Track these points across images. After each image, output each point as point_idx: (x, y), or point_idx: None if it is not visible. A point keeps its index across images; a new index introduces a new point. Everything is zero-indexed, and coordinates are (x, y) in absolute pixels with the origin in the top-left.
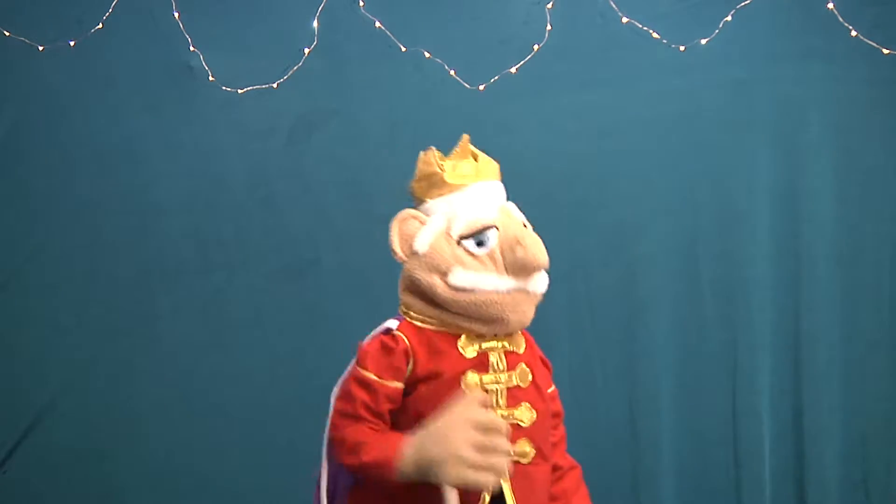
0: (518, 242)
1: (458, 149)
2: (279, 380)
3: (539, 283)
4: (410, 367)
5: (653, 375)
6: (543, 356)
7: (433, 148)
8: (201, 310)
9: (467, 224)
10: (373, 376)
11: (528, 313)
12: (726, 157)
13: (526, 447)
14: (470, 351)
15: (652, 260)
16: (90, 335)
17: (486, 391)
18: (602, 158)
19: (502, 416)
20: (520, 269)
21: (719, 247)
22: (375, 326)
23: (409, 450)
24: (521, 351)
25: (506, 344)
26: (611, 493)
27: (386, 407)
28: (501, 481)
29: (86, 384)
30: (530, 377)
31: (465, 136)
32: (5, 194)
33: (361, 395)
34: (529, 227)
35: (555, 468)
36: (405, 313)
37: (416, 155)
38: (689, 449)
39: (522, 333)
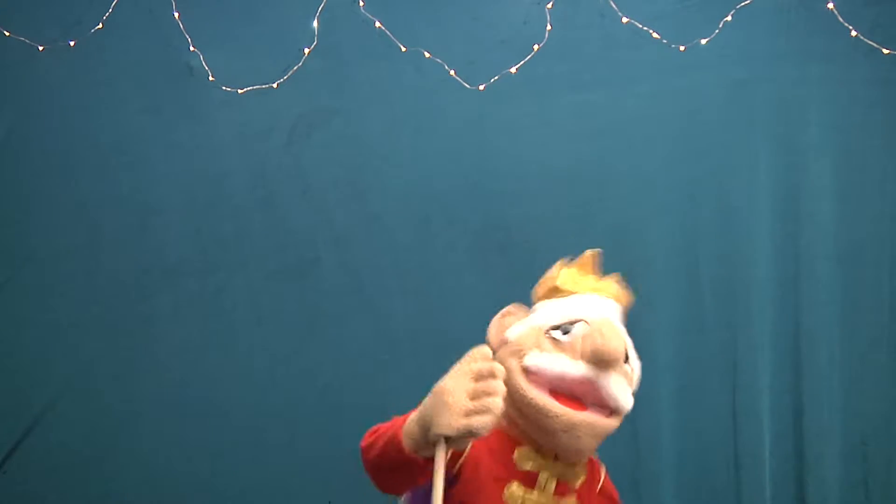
0: (599, 331)
1: (581, 259)
2: (279, 380)
3: (613, 384)
4: (465, 454)
5: (653, 375)
6: (615, 497)
7: (567, 259)
8: (201, 310)
9: (560, 316)
10: None
11: (583, 440)
12: (726, 156)
13: None
14: (523, 463)
15: (652, 260)
16: (90, 335)
17: None
18: (602, 158)
19: None
20: (594, 356)
21: (719, 247)
22: (374, 326)
23: (414, 414)
24: (577, 484)
25: (561, 470)
26: None
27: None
28: None
29: (86, 384)
30: None
31: (591, 252)
32: (5, 194)
33: None
34: (632, 352)
35: None
36: None
37: (417, 155)
38: (689, 449)
39: (590, 471)
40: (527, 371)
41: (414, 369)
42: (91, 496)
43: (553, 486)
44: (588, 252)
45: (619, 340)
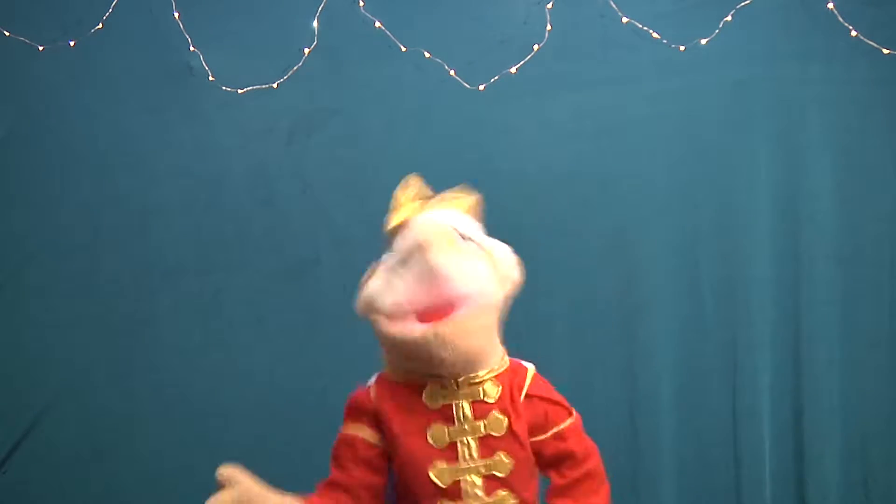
0: (408, 228)
1: (401, 190)
2: (279, 380)
3: (445, 266)
4: (384, 426)
5: (653, 375)
6: (551, 396)
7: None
8: (201, 310)
9: (398, 251)
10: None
11: (457, 344)
12: (726, 157)
13: (505, 499)
14: (434, 403)
15: (652, 260)
16: (90, 335)
17: (455, 443)
18: (602, 158)
19: (475, 467)
20: (407, 251)
21: (719, 247)
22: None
23: None
24: (493, 399)
25: (469, 391)
26: (611, 494)
27: (361, 456)
28: None
29: (86, 384)
30: (506, 425)
31: (408, 179)
32: (5, 194)
33: (336, 450)
34: (480, 234)
35: None
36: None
37: (417, 155)
38: (689, 449)
39: (510, 380)
40: (387, 314)
41: None
42: (91, 496)
43: (469, 410)
44: (406, 179)
45: (428, 226)
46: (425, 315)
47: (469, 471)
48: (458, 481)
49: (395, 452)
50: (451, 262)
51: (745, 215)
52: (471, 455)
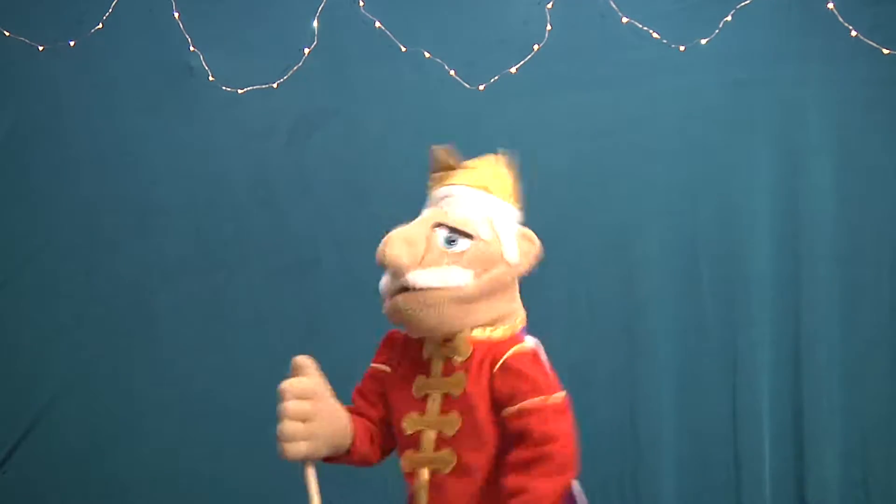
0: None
1: (433, 159)
2: (279, 380)
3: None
4: (394, 368)
5: (653, 375)
6: (528, 372)
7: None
8: (201, 310)
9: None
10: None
11: (423, 313)
12: (726, 157)
13: (447, 456)
14: (425, 355)
15: (652, 260)
16: (90, 335)
17: (427, 396)
18: (602, 158)
19: (433, 422)
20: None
21: (719, 247)
22: (374, 326)
23: None
24: (461, 360)
25: (445, 351)
26: (611, 493)
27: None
28: (419, 489)
29: (86, 384)
30: (463, 387)
31: (436, 149)
32: (5, 194)
33: (363, 380)
34: (455, 222)
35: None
36: None
37: (417, 155)
38: (689, 449)
39: (485, 349)
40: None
41: None
42: (91, 495)
43: (440, 367)
44: (434, 151)
45: (395, 253)
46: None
47: (429, 424)
48: (421, 431)
49: (390, 396)
50: (423, 278)
51: (745, 215)
52: (434, 410)
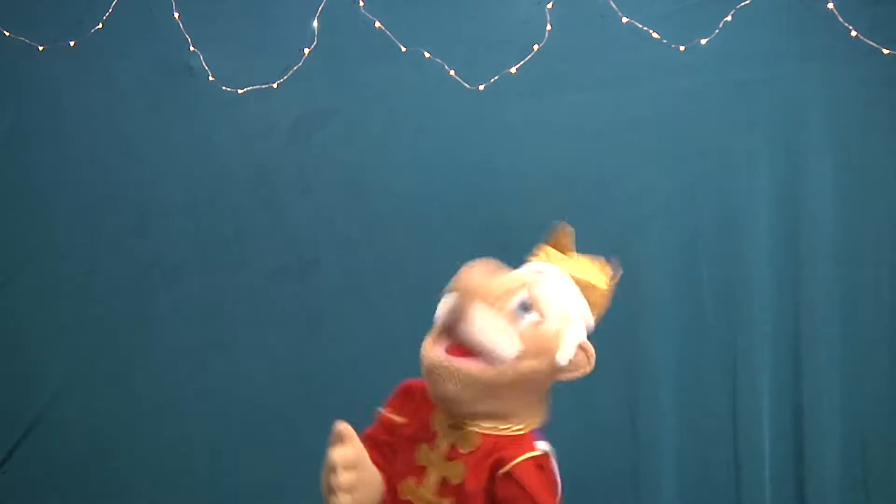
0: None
1: (552, 236)
2: (279, 380)
3: (475, 320)
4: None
5: (653, 375)
6: (530, 488)
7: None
8: (201, 310)
9: None
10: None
11: (446, 384)
12: (726, 157)
13: None
14: (434, 425)
15: (652, 260)
16: (90, 335)
17: (423, 468)
18: (602, 158)
19: (427, 499)
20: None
21: (719, 247)
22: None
23: None
24: (465, 451)
25: (454, 435)
26: (611, 493)
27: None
28: None
29: (86, 384)
30: (462, 479)
31: (559, 227)
32: (5, 194)
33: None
34: (551, 307)
35: None
36: None
37: (416, 155)
38: (689, 449)
39: (491, 446)
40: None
41: (414, 370)
42: (91, 496)
43: (445, 446)
44: (556, 227)
45: (474, 278)
46: (451, 349)
47: (423, 499)
48: (412, 501)
49: (394, 447)
50: (484, 320)
51: (745, 215)
52: (430, 487)
